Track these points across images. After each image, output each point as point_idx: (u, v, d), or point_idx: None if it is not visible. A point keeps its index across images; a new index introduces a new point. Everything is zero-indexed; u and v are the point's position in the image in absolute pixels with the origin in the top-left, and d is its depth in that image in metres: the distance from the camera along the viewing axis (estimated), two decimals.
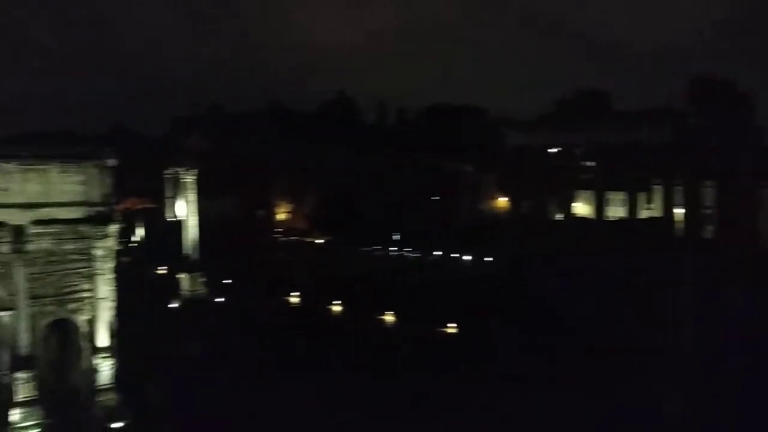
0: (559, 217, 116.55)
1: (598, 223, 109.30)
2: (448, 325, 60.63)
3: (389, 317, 64.52)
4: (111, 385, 40.77)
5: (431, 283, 75.94)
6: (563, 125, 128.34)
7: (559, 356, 49.04)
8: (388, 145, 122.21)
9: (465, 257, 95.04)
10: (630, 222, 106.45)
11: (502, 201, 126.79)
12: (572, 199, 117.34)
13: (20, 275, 38.05)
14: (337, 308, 67.98)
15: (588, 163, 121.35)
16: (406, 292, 71.11)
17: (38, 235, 38.63)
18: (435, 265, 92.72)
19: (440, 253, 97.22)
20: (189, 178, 73.27)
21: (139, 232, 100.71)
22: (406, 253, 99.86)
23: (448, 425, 38.86)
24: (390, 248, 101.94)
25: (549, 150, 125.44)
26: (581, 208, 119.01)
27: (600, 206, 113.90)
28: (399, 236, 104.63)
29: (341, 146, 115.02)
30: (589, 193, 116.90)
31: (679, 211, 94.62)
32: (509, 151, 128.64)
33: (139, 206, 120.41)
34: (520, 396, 41.74)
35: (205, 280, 71.09)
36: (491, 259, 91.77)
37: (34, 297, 38.79)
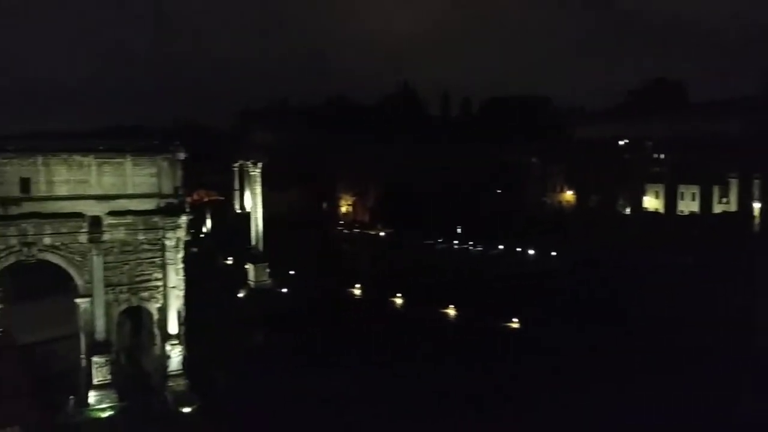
0: (627, 211, 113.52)
1: (669, 217, 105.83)
2: (511, 319, 59.94)
3: (451, 311, 64.24)
4: (180, 371, 42.16)
5: (494, 278, 75.13)
6: (634, 116, 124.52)
7: (622, 355, 47.56)
8: (451, 136, 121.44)
9: (529, 251, 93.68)
10: (703, 217, 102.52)
11: (569, 194, 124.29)
12: (642, 193, 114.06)
13: (97, 264, 39.79)
14: (399, 301, 68.17)
15: (659, 156, 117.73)
16: (469, 285, 70.61)
17: (113, 225, 40.24)
18: (498, 259, 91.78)
19: (503, 246, 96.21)
20: (255, 171, 74.83)
21: (208, 224, 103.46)
22: (468, 247, 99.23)
23: (504, 421, 38.46)
24: (453, 241, 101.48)
25: (619, 142, 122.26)
26: (651, 202, 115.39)
27: (672, 200, 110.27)
28: (461, 229, 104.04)
29: (404, 138, 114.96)
30: (659, 187, 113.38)
31: (756, 206, 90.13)
32: (577, 143, 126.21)
33: (208, 198, 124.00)
34: (585, 395, 40.85)
35: (270, 270, 72.60)
36: (556, 253, 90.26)
37: (109, 285, 40.48)
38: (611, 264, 75.31)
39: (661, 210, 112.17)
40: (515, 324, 59.63)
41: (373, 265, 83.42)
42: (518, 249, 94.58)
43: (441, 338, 54.20)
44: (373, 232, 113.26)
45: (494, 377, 44.30)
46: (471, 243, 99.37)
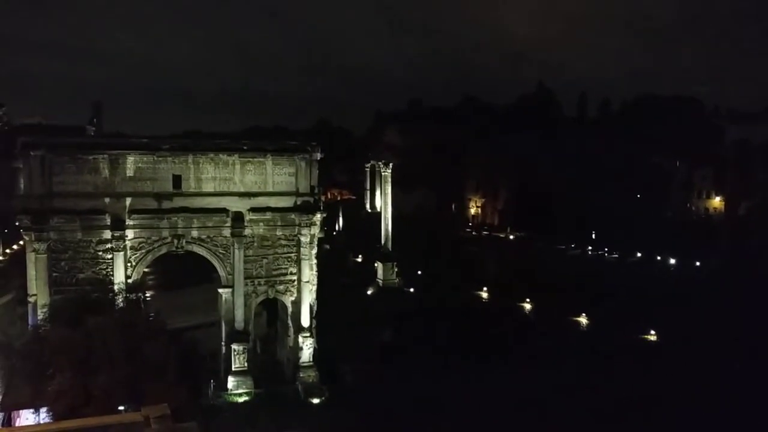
0: None
1: None
2: (649, 332, 56.70)
3: (583, 319, 61.84)
4: (311, 363, 43.72)
5: (631, 286, 71.25)
6: None
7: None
8: (589, 138, 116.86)
9: (670, 260, 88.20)
10: None
11: (716, 200, 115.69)
12: None
13: (238, 257, 42.19)
14: (527, 306, 66.61)
15: None
16: (603, 294, 67.40)
17: (254, 221, 42.52)
18: (636, 267, 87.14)
19: (641, 254, 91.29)
20: (386, 172, 76.02)
21: (340, 222, 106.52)
22: (604, 253, 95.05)
23: None
24: (587, 247, 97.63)
25: None
26: None
27: None
28: (596, 235, 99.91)
29: (538, 139, 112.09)
30: None
31: None
32: (729, 146, 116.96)
33: (341, 197, 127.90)
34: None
35: (398, 269, 73.44)
36: (699, 263, 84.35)
37: (248, 277, 42.79)
38: (765, 277, 69.09)
39: None
40: (653, 337, 56.36)
41: (501, 269, 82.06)
42: (658, 257, 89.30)
43: (571, 348, 52.11)
44: (502, 235, 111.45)
45: (624, 394, 41.90)
46: (606, 249, 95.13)
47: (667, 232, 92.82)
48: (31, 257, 38.89)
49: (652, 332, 56.55)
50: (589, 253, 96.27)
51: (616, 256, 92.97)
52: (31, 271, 38.92)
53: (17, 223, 39.06)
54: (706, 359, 47.39)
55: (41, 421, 31.80)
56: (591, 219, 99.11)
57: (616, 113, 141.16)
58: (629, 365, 47.70)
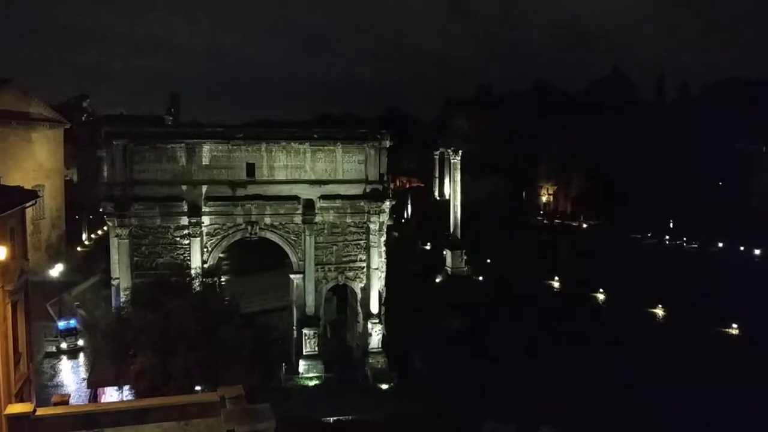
0: None
1: None
2: (730, 325, 54.30)
3: (659, 311, 59.82)
4: (380, 349, 44.08)
5: (711, 277, 68.34)
6: None
7: None
8: (667, 123, 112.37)
9: (755, 251, 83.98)
10: None
11: None
12: None
13: (309, 243, 42.89)
14: (600, 297, 64.98)
15: None
16: (681, 285, 64.93)
17: (324, 208, 43.09)
18: (716, 258, 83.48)
19: (722, 244, 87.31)
20: (455, 159, 75.34)
21: (409, 209, 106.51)
22: (682, 243, 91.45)
23: None
24: (664, 236, 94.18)
25: None
26: None
27: None
28: (674, 224, 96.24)
29: (613, 125, 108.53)
30: None
31: None
32: None
33: (409, 185, 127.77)
34: None
35: (467, 258, 72.86)
36: None
37: (319, 263, 43.45)
38: None
39: None
40: (734, 330, 53.99)
41: (573, 258, 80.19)
42: (741, 248, 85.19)
43: (646, 339, 50.58)
44: (575, 224, 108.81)
45: (699, 388, 40.26)
46: (685, 239, 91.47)
47: (752, 221, 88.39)
48: (114, 242, 40.79)
49: (734, 325, 54.21)
50: (667, 242, 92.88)
51: (696, 245, 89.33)
52: (114, 256, 40.83)
53: (101, 210, 40.93)
54: None
55: (124, 398, 33.41)
56: (669, 207, 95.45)
57: (695, 97, 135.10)
58: (707, 359, 45.75)
